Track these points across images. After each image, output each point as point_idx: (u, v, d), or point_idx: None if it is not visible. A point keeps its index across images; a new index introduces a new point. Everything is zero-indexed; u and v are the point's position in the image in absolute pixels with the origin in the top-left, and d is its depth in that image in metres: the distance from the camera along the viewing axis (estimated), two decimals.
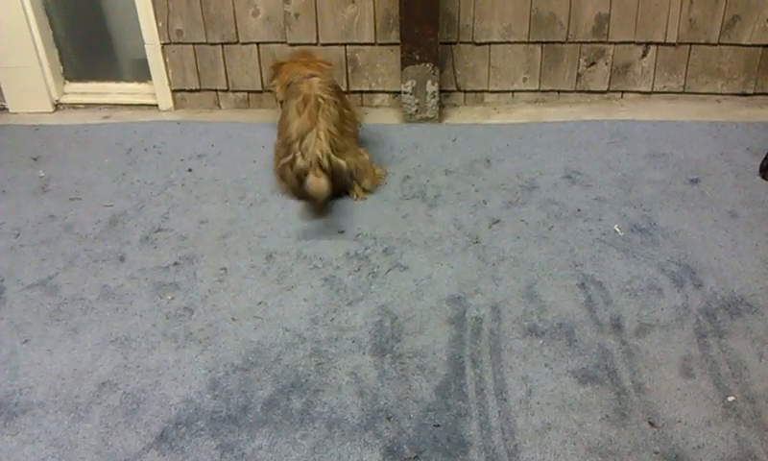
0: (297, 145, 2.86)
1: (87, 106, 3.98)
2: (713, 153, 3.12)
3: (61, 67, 3.96)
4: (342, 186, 2.96)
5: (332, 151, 2.85)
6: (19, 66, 3.81)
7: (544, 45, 3.58)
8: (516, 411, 1.93)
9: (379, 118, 3.66)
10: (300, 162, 2.83)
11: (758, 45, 3.47)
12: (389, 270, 2.51)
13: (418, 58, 3.42)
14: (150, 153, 3.43)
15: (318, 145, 2.83)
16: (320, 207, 2.88)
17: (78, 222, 2.89)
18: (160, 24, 3.68)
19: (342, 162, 2.88)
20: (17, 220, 2.93)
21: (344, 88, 3.63)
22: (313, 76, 3.06)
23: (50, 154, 3.46)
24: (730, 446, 1.79)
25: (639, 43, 3.53)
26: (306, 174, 2.81)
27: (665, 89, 3.65)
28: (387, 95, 3.78)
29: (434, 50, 3.42)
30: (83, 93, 3.99)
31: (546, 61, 3.62)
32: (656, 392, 1.96)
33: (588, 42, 3.55)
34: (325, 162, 2.82)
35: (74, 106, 3.98)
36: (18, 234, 2.83)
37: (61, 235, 2.81)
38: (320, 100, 2.93)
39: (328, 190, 2.83)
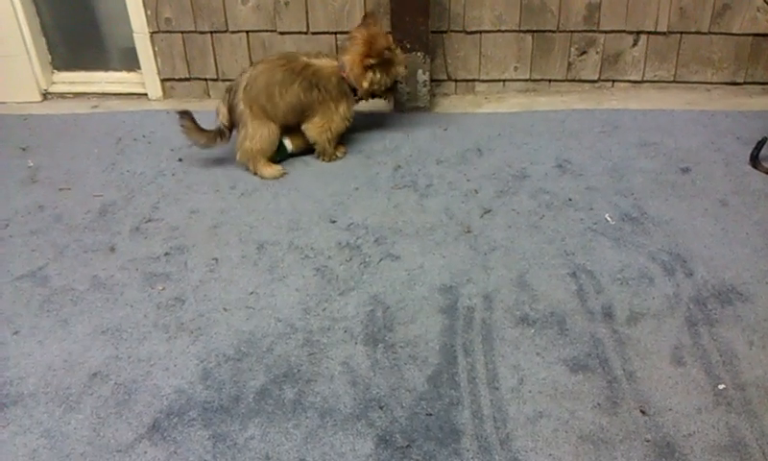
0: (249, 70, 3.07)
1: (76, 95, 3.95)
2: (704, 142, 3.13)
3: (49, 56, 3.92)
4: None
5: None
6: (7, 56, 3.78)
7: (535, 34, 3.57)
8: (507, 400, 1.93)
9: (370, 107, 3.64)
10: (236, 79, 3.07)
11: (748, 34, 3.48)
12: (381, 260, 2.51)
13: (408, 46, 3.41)
14: (139, 142, 3.41)
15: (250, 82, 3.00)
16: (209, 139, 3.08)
17: (67, 212, 2.88)
18: (149, 12, 3.65)
19: (242, 108, 3.01)
20: (6, 211, 2.90)
21: None
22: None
23: (39, 144, 3.43)
24: (720, 433, 1.81)
25: (630, 32, 3.54)
26: (228, 91, 3.04)
27: (656, 78, 3.65)
28: None
29: (425, 39, 3.41)
30: (71, 83, 3.95)
31: (537, 50, 3.61)
32: (647, 380, 1.97)
33: (578, 31, 3.54)
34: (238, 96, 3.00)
35: (62, 95, 3.95)
36: (7, 225, 2.81)
37: (51, 226, 2.79)
38: (302, 66, 3.02)
39: (225, 122, 3.05)
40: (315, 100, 3.04)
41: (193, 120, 3.01)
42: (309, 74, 3.02)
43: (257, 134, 3.01)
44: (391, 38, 3.21)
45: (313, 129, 3.10)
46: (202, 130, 3.04)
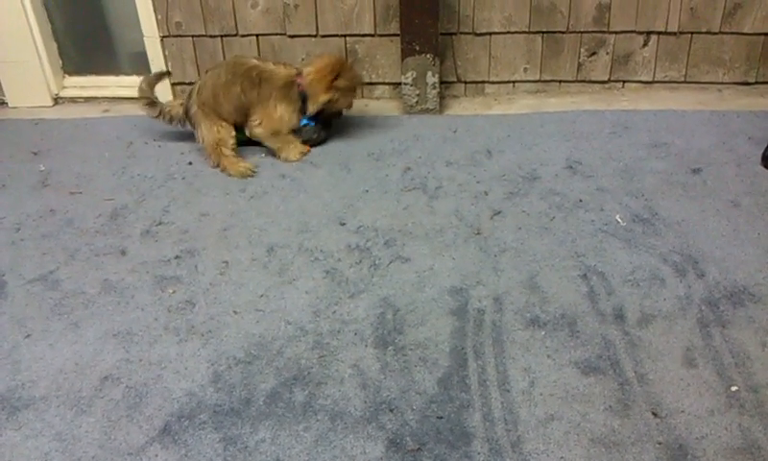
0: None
1: (87, 99, 3.97)
2: (715, 142, 3.11)
3: (60, 61, 3.94)
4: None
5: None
6: (18, 60, 3.80)
7: (545, 35, 3.56)
8: (518, 402, 1.92)
9: (380, 110, 3.65)
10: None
11: (760, 34, 3.46)
12: (390, 262, 2.51)
13: (418, 48, 3.41)
14: (150, 146, 3.42)
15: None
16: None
17: (79, 216, 2.89)
18: (159, 17, 3.66)
19: (194, 109, 3.20)
20: (18, 214, 2.92)
21: None
22: (299, 73, 3.20)
23: (50, 148, 3.45)
24: (733, 436, 1.79)
25: (640, 32, 3.52)
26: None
27: (667, 79, 3.63)
28: (387, 86, 3.77)
29: (434, 41, 3.41)
30: (82, 87, 3.98)
31: (547, 51, 3.60)
32: (659, 382, 1.96)
33: (588, 32, 3.53)
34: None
35: (73, 99, 3.97)
36: (19, 229, 2.83)
37: (62, 229, 2.81)
38: (247, 68, 3.16)
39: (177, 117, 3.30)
40: (255, 98, 3.16)
41: (153, 85, 3.38)
42: (252, 75, 3.15)
43: (210, 132, 3.18)
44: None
45: (253, 125, 3.22)
46: (154, 101, 3.35)
